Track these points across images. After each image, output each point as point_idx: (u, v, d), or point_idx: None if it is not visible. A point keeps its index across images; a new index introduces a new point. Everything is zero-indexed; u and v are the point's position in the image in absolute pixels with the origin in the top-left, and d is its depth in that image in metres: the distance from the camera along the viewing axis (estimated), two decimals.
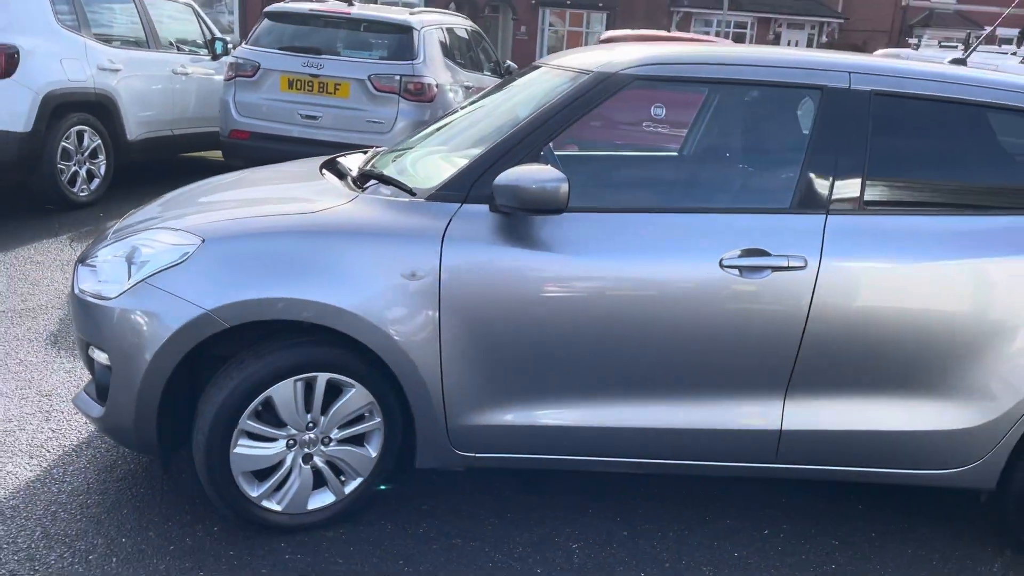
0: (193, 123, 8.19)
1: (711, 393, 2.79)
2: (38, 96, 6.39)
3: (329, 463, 2.80)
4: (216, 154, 8.02)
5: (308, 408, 2.71)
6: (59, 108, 6.60)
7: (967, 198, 2.95)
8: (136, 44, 7.60)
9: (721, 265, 2.68)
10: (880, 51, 9.19)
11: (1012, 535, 3.01)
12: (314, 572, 2.64)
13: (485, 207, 2.68)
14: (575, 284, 2.69)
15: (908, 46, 13.94)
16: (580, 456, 2.86)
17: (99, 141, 7.05)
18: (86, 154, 6.91)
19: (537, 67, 3.35)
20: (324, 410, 2.73)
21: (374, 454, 2.83)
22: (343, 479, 2.85)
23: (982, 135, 2.94)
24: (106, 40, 7.19)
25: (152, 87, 7.64)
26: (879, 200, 2.83)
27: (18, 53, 6.32)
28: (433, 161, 3.07)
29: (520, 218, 2.67)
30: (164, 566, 2.60)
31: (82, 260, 2.89)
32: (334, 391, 2.72)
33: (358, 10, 7.16)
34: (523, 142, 2.73)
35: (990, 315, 2.76)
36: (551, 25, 31.55)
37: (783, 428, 2.81)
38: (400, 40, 6.96)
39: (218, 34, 8.64)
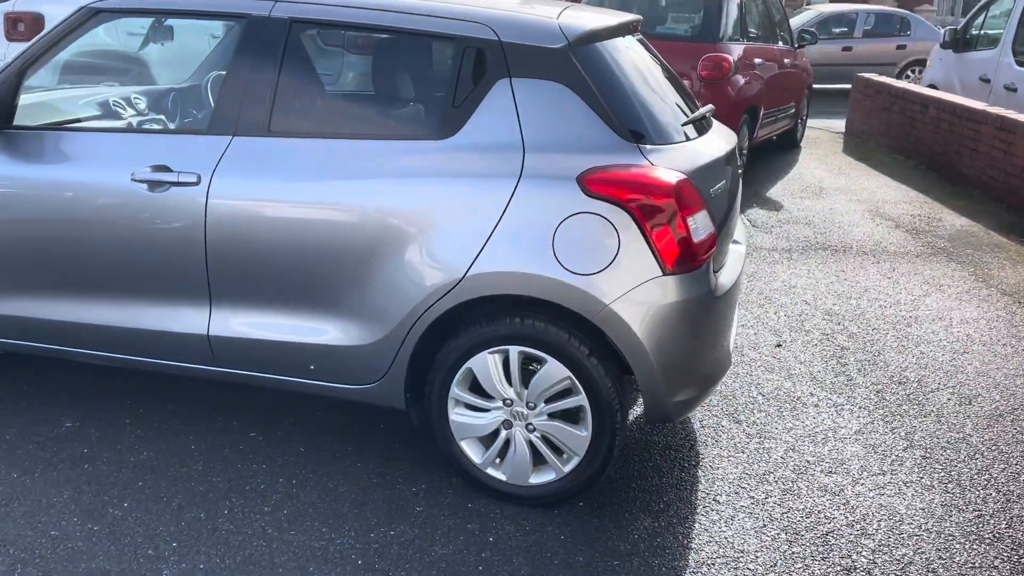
0: None
1: (149, 297, 3.12)
2: None
3: None
4: None
5: None
6: None
7: (367, 123, 3.01)
8: None
9: (132, 179, 3.01)
10: None
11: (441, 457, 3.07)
12: None
13: None
14: (20, 193, 3.13)
15: None
16: (64, 347, 3.30)
17: None
18: None
19: None
20: None
21: None
22: None
23: (402, 62, 2.98)
24: None
25: None
26: (286, 123, 2.98)
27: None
28: None
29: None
30: None
31: None
32: None
33: None
34: (7, 69, 3.21)
35: (371, 236, 2.83)
36: None
37: (210, 334, 3.09)
38: None
39: None
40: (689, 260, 2.68)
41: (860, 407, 3.78)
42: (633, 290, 2.63)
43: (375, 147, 2.86)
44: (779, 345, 4.42)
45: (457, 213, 2.74)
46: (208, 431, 3.35)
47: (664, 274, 2.65)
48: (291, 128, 2.99)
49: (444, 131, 2.81)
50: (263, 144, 2.94)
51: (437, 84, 2.92)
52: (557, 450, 2.89)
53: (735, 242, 3.43)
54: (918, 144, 9.43)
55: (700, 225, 2.72)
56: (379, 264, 2.83)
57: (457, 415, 2.93)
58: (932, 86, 10.69)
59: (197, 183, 2.94)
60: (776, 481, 3.17)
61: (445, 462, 3.05)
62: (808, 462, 3.31)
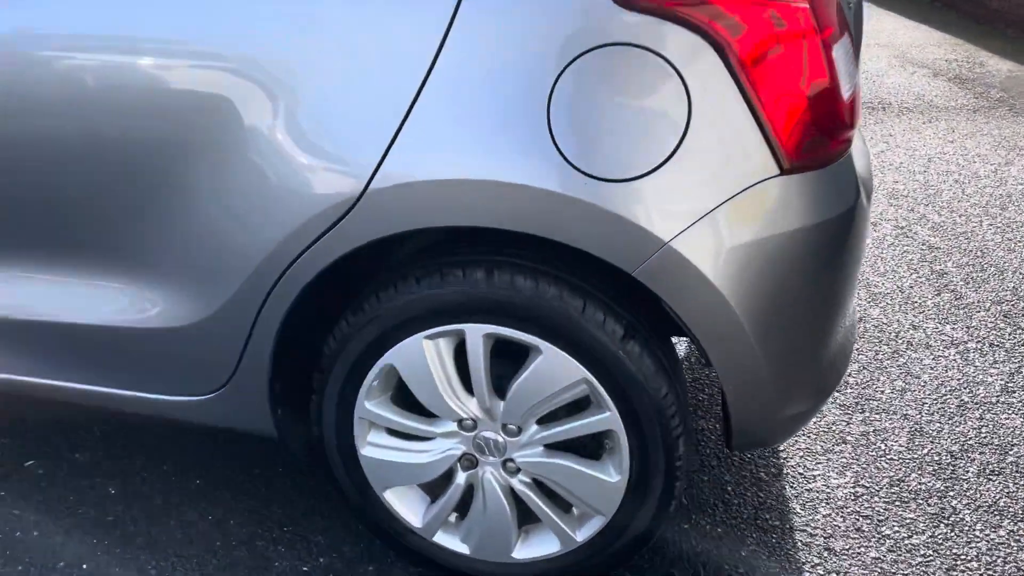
0: None
1: None
2: None
3: None
4: None
5: None
6: None
7: None
8: None
9: None
10: None
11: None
12: None
13: None
14: None
15: None
16: None
17: None
18: None
19: None
20: None
21: None
22: None
23: None
24: None
25: None
26: None
27: None
28: None
29: None
30: None
31: None
32: None
33: None
34: None
35: (178, 113, 1.39)
36: None
37: None
38: None
39: None
40: (828, 139, 1.28)
41: (991, 344, 2.51)
42: (719, 210, 1.23)
43: None
44: None
45: (343, 60, 1.29)
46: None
47: (782, 171, 1.25)
48: None
49: None
50: None
51: None
52: (562, 504, 1.55)
53: None
54: None
55: (844, 68, 1.31)
56: (197, 170, 1.39)
57: (373, 449, 1.56)
58: None
59: None
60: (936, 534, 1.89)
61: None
62: (967, 464, 2.03)
